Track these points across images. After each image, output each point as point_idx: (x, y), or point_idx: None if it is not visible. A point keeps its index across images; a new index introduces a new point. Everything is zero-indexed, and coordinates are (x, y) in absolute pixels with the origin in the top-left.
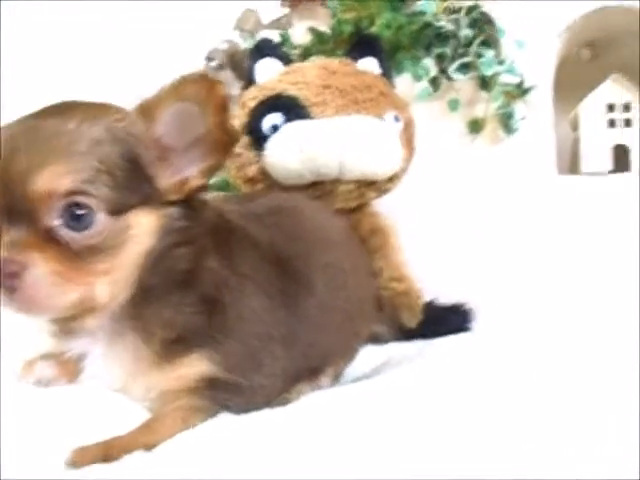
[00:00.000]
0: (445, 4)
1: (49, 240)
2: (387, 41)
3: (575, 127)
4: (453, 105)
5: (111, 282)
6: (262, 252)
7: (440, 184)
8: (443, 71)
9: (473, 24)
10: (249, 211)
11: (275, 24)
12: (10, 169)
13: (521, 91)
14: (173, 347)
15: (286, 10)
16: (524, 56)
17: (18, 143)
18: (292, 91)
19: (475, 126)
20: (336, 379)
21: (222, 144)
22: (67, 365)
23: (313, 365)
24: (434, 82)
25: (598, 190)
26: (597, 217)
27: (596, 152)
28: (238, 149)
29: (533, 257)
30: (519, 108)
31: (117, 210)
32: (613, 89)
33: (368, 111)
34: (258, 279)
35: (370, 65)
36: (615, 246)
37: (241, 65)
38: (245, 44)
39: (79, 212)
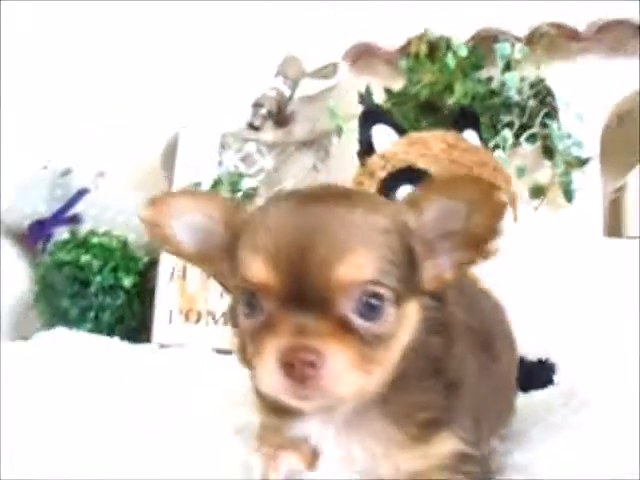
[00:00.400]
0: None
1: (343, 329)
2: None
3: (622, 193)
4: (520, 172)
5: (383, 371)
6: (466, 330)
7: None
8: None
9: (537, 95)
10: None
11: (319, 73)
12: (308, 256)
13: (580, 161)
14: (426, 428)
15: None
16: (582, 128)
17: (312, 231)
18: (421, 164)
19: (538, 192)
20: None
21: (483, 241)
22: (300, 450)
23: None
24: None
25: None
26: None
27: None
28: None
29: (603, 316)
30: (577, 177)
31: (398, 300)
32: None
33: None
34: (472, 359)
35: (472, 138)
36: None
37: (284, 113)
38: (289, 92)
39: (374, 302)
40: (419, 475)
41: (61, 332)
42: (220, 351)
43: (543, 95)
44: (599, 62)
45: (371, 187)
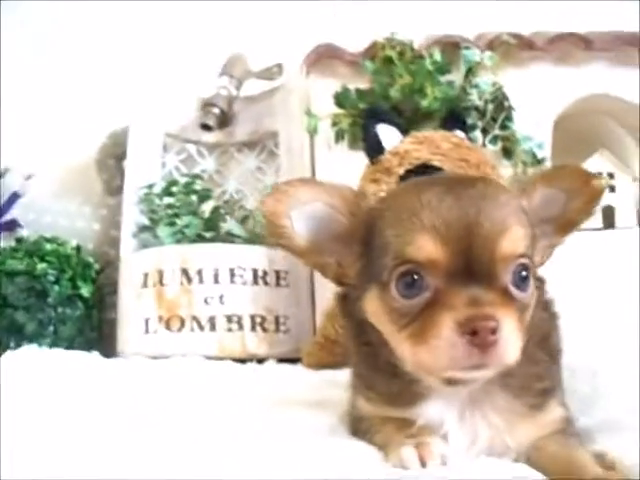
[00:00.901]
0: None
1: (506, 298)
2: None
3: None
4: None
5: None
6: None
7: None
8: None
9: (494, 100)
10: None
11: (265, 73)
12: (474, 233)
13: (537, 161)
14: (542, 397)
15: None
16: (535, 130)
17: (475, 210)
18: (435, 162)
19: None
20: None
21: (575, 225)
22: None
23: None
24: None
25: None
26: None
27: None
28: None
29: None
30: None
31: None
32: (600, 161)
33: None
34: None
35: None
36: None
37: (227, 113)
38: (235, 92)
39: (524, 273)
40: (539, 442)
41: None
42: (211, 358)
43: (500, 100)
44: (549, 70)
45: (390, 183)
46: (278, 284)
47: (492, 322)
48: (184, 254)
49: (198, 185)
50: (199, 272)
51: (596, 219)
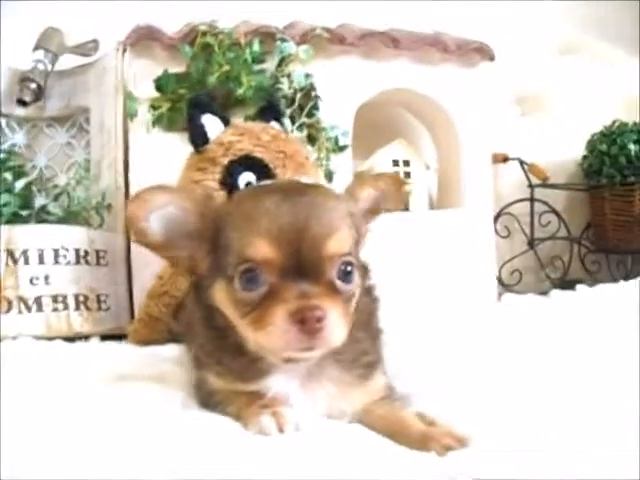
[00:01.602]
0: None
1: (331, 291)
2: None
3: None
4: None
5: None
6: None
7: None
8: None
9: (303, 89)
10: None
11: (80, 49)
12: (303, 236)
13: (338, 148)
14: (368, 369)
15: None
16: (339, 119)
17: (303, 216)
18: (257, 153)
19: None
20: None
21: (380, 214)
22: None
23: None
24: None
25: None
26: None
27: None
28: None
29: None
30: (334, 161)
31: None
32: (397, 149)
33: (307, 172)
34: None
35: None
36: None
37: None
38: (49, 66)
39: (348, 269)
40: (369, 407)
41: None
42: (39, 338)
43: (308, 89)
44: (356, 64)
45: (215, 173)
46: (98, 263)
47: (318, 312)
48: (9, 235)
49: (12, 162)
50: (24, 253)
51: None
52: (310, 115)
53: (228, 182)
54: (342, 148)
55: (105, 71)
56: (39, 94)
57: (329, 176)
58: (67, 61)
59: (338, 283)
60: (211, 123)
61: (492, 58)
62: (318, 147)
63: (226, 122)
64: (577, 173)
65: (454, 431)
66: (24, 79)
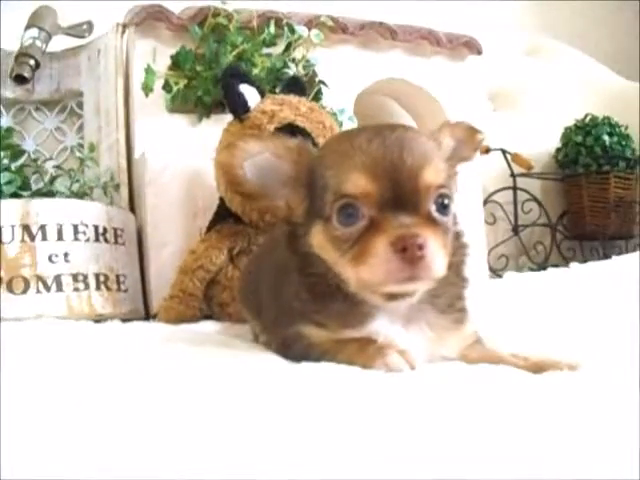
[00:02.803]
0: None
1: (430, 222)
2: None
3: None
4: None
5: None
6: None
7: None
8: None
9: (306, 75)
10: None
11: (75, 30)
12: (399, 169)
13: None
14: (461, 314)
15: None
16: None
17: (397, 149)
18: (299, 122)
19: None
20: None
21: (460, 163)
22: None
23: None
24: None
25: None
26: None
27: None
28: None
29: None
30: None
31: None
32: None
33: None
34: None
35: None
36: None
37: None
38: (43, 46)
39: (445, 201)
40: (465, 351)
41: None
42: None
43: (311, 75)
44: (355, 53)
45: None
46: (116, 242)
47: (419, 239)
48: (25, 209)
49: (13, 140)
50: (42, 228)
51: None
52: (317, 99)
53: None
54: None
55: (100, 53)
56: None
57: None
58: (56, 43)
59: (436, 214)
60: (249, 92)
61: (480, 52)
62: None
63: (262, 93)
64: (550, 164)
65: (562, 360)
66: (21, 54)
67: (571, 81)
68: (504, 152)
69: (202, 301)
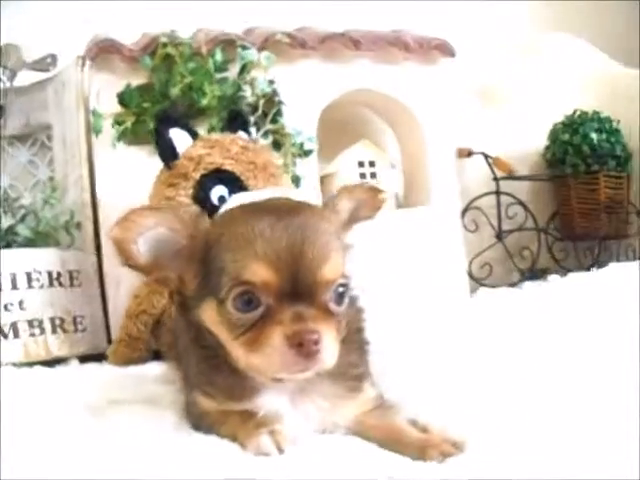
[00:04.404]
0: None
1: (326, 313)
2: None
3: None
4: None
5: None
6: None
7: None
8: None
9: (265, 95)
10: None
11: (39, 64)
12: (300, 261)
13: (304, 152)
14: (357, 381)
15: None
16: (303, 123)
17: (299, 240)
18: (227, 166)
19: None
20: None
21: (358, 223)
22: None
23: None
24: None
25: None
26: None
27: None
28: None
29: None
30: (300, 166)
31: None
32: (362, 150)
33: (278, 183)
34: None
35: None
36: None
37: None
38: (8, 83)
39: (341, 291)
40: (361, 418)
41: None
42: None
43: (271, 95)
44: (318, 67)
45: (187, 188)
46: (72, 284)
47: (315, 335)
48: None
49: None
50: None
51: None
52: (274, 121)
53: (201, 197)
54: (307, 153)
55: (64, 86)
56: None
57: (296, 181)
58: (24, 78)
59: (332, 305)
60: (179, 137)
61: (453, 54)
62: (284, 153)
63: (194, 135)
64: (540, 163)
65: (450, 437)
66: None
67: (568, 71)
68: (485, 156)
69: (151, 341)
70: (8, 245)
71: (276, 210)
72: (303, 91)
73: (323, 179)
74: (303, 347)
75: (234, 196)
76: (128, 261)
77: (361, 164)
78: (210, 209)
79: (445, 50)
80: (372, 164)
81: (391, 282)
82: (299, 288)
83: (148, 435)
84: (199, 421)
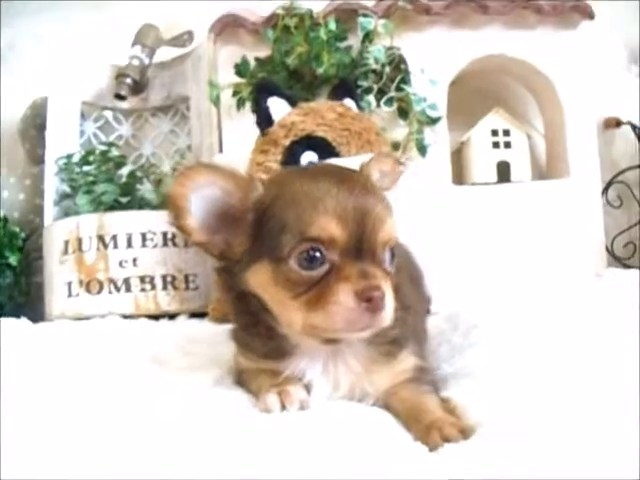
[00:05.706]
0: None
1: (385, 272)
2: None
3: (464, 146)
4: (381, 131)
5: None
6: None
7: None
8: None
9: (391, 63)
10: None
11: (176, 41)
12: (367, 220)
13: (431, 120)
14: (394, 345)
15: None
16: (432, 91)
17: (364, 200)
18: (319, 132)
19: (395, 148)
20: None
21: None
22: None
23: None
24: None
25: (486, 197)
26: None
27: (484, 167)
28: None
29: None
30: (428, 134)
31: None
32: (496, 119)
33: (373, 149)
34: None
35: (351, 105)
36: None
37: (141, 80)
38: (147, 60)
39: (394, 252)
40: (393, 388)
41: None
42: (128, 316)
43: (397, 63)
44: (445, 33)
45: (277, 154)
46: (186, 245)
47: (381, 292)
48: (99, 222)
49: (114, 152)
50: (114, 238)
51: (491, 174)
52: (399, 89)
53: (290, 162)
54: (435, 120)
55: (200, 60)
56: (136, 88)
57: (422, 150)
58: (166, 53)
59: (387, 265)
60: (277, 105)
61: (592, 16)
62: (409, 121)
63: (293, 104)
64: None
65: (460, 421)
66: (120, 75)
67: None
68: (633, 127)
69: None
70: (140, 207)
71: (334, 172)
72: (431, 58)
73: (458, 148)
74: (372, 303)
75: (324, 162)
76: (178, 220)
77: (495, 133)
78: None
79: (583, 12)
80: (506, 133)
81: (523, 255)
82: (363, 246)
83: (186, 388)
84: (239, 377)
